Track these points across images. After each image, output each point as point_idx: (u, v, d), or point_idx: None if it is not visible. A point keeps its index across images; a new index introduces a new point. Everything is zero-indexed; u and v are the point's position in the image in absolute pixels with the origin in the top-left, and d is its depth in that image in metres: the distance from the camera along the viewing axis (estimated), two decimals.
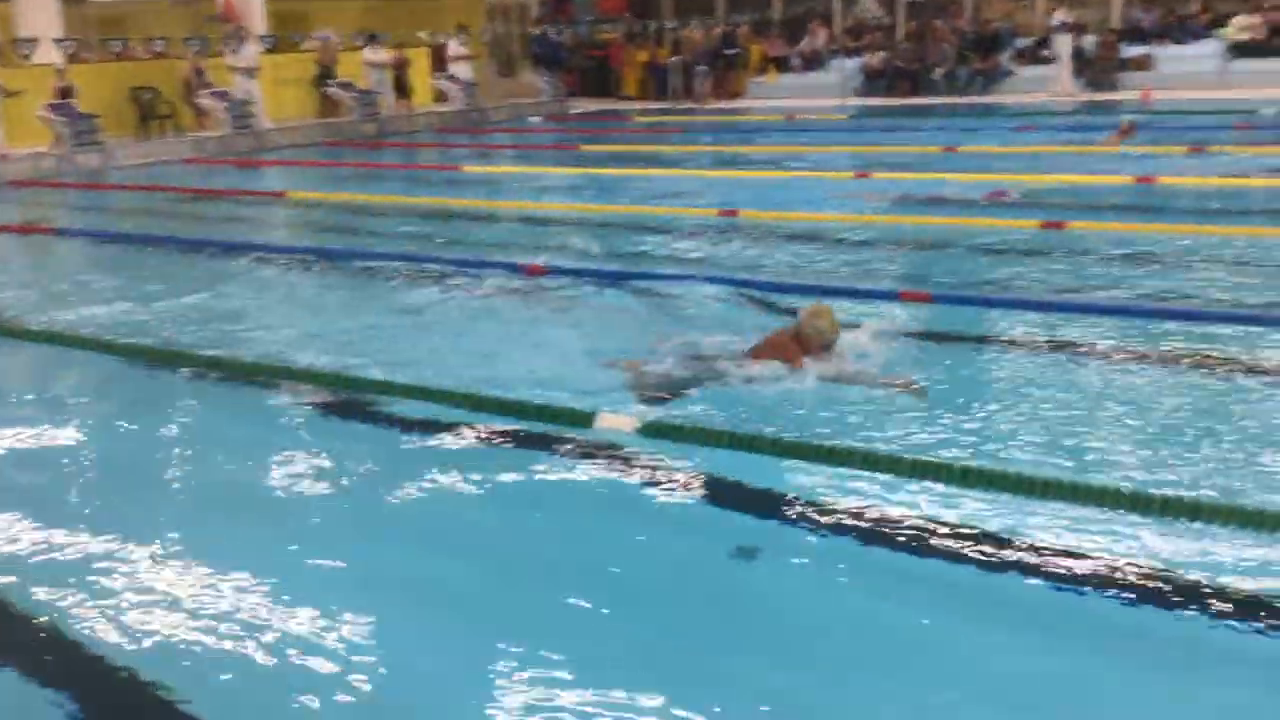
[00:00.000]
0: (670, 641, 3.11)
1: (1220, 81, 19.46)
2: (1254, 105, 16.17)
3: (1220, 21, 20.84)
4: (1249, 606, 3.07)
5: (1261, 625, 3.01)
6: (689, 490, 4.00)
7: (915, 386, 4.98)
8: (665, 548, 3.67)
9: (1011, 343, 5.68)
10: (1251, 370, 5.00)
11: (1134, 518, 3.55)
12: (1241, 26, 20.45)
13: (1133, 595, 3.17)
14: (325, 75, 20.19)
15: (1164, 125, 14.82)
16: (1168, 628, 3.04)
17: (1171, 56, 21.03)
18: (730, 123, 19.92)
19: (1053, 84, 20.32)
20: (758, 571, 3.49)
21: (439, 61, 22.70)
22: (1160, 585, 3.21)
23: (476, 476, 4.17)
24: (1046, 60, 21.25)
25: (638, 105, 23.32)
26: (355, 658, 3.00)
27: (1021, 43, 22.64)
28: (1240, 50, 19.95)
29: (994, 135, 14.92)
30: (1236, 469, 3.94)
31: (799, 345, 5.16)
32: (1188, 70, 19.96)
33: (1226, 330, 5.58)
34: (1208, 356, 5.20)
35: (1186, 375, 5.03)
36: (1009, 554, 3.44)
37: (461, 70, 22.09)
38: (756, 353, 5.24)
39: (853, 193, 10.49)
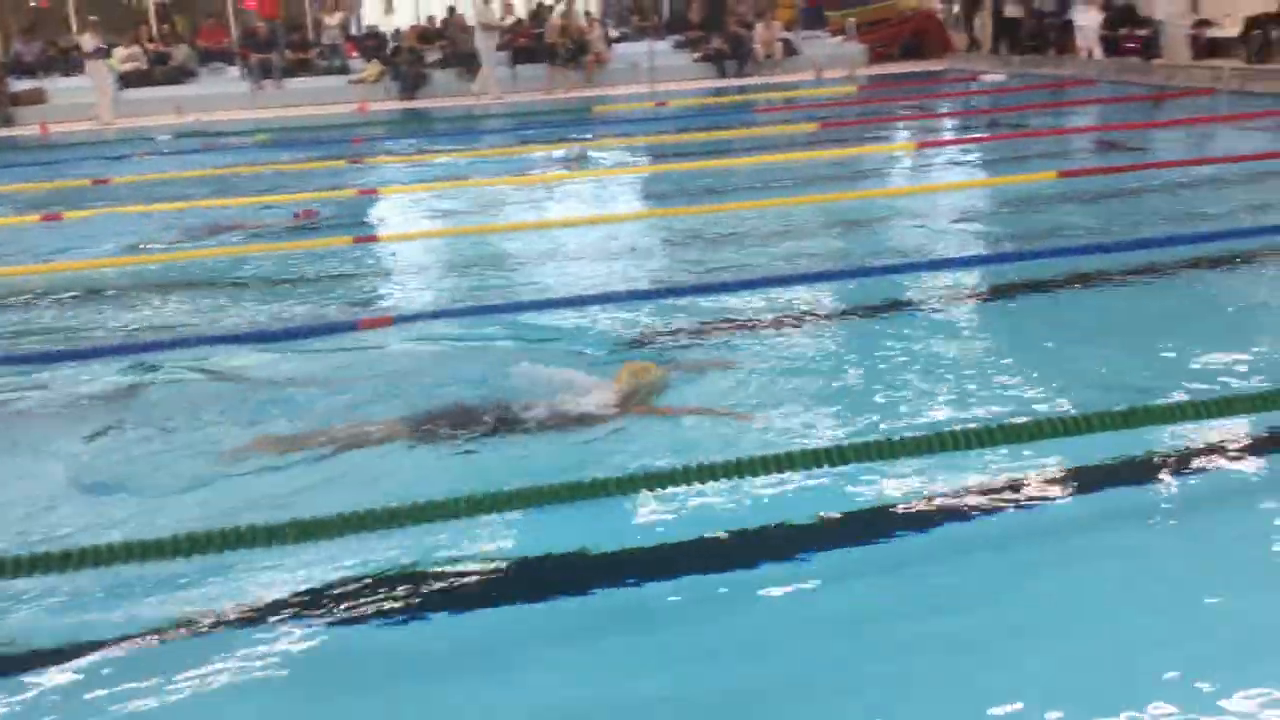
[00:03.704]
0: None
1: (116, 111, 19.95)
2: (151, 132, 17.11)
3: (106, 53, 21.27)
4: None
5: None
6: None
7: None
8: None
9: None
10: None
11: None
12: (124, 58, 21.17)
13: None
14: None
15: (71, 158, 14.78)
16: None
17: (63, 89, 20.96)
18: None
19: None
20: None
21: None
22: None
23: None
24: None
25: None
26: None
27: None
28: (127, 80, 20.66)
29: None
30: None
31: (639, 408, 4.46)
32: (81, 102, 20.04)
33: None
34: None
35: None
36: None
37: None
38: None
39: None
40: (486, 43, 20.47)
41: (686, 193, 10.16)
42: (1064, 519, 3.55)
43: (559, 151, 13.07)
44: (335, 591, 3.25)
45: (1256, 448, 3.91)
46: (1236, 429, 4.00)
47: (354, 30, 26.82)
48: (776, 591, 3.18)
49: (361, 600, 3.21)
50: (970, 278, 6.45)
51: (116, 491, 4.01)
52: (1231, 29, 16.38)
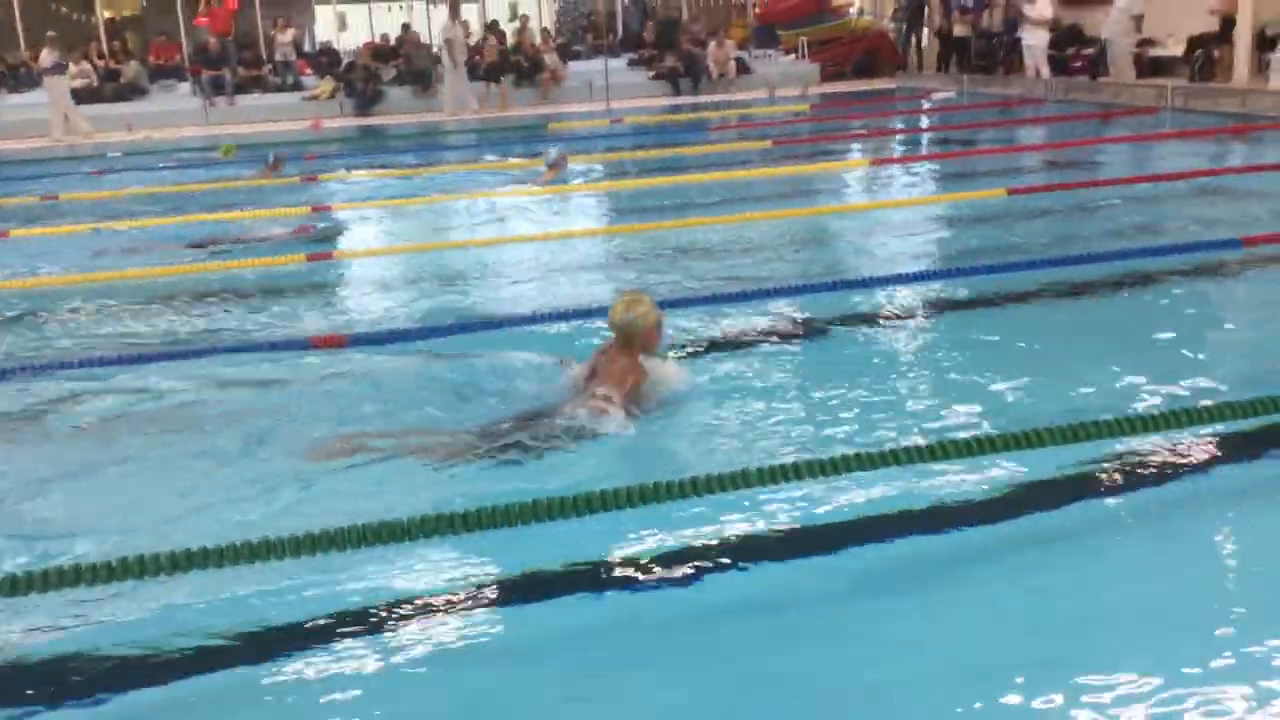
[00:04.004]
0: None
1: (67, 128, 19.72)
2: (101, 149, 16.94)
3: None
4: None
5: None
6: None
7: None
8: None
9: None
10: None
11: None
12: (74, 74, 20.88)
13: None
14: None
15: (18, 175, 14.57)
16: None
17: (12, 105, 20.71)
18: None
19: None
20: None
21: None
22: None
23: None
24: None
25: None
26: None
27: None
28: (77, 97, 20.39)
29: None
30: None
31: (637, 353, 4.49)
32: (28, 118, 19.79)
33: None
34: None
35: None
36: None
37: None
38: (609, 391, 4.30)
39: None
40: (452, 61, 20.42)
41: (641, 209, 10.20)
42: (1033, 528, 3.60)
43: (515, 170, 13.07)
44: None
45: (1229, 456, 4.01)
46: (1197, 439, 4.08)
47: (307, 47, 26.71)
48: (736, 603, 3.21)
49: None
50: (922, 293, 6.51)
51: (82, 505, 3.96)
52: (1175, 48, 16.73)
